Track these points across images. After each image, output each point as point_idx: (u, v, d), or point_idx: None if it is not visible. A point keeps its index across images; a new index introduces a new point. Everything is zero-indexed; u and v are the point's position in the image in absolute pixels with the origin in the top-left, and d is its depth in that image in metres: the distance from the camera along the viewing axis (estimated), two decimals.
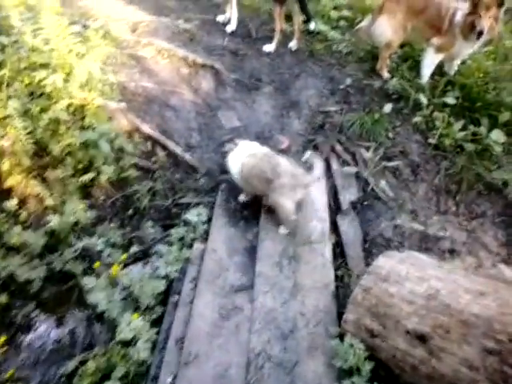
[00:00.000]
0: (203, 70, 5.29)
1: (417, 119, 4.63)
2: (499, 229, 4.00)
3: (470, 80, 4.80)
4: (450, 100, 4.61)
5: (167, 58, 5.30)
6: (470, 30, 4.36)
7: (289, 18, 5.86)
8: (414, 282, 2.65)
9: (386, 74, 5.22)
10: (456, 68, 5.01)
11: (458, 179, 4.24)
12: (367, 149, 4.51)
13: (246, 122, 4.85)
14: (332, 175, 4.33)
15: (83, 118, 4.09)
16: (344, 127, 4.71)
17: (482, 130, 4.33)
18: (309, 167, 3.71)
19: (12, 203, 3.71)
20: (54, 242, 3.72)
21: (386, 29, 4.92)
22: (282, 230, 3.70)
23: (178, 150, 4.43)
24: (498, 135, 4.26)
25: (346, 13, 6.45)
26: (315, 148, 4.53)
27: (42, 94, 3.99)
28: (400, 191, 4.24)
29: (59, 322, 3.38)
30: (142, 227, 3.99)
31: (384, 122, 4.65)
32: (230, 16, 6.10)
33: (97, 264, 3.42)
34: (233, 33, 6.07)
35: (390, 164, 4.40)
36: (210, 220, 3.88)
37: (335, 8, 6.52)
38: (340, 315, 2.97)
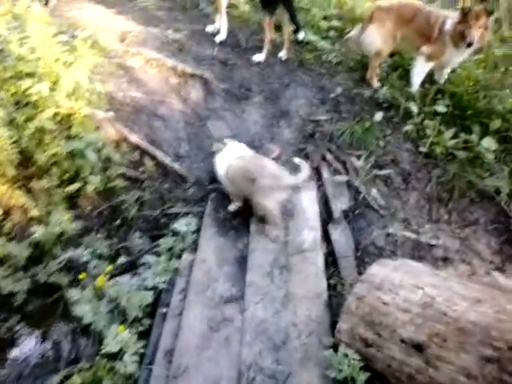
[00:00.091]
0: (192, 79, 5.25)
1: (407, 128, 4.60)
2: (492, 236, 3.96)
3: (461, 88, 4.80)
4: (440, 108, 4.59)
5: (156, 68, 5.25)
6: (460, 38, 4.36)
7: (278, 28, 5.86)
8: (408, 289, 2.59)
9: (376, 83, 5.21)
10: (446, 76, 5.01)
11: (449, 187, 4.21)
12: (358, 157, 4.47)
13: (236, 132, 4.80)
14: (323, 184, 4.28)
15: (70, 128, 4.01)
16: (334, 136, 4.67)
17: (474, 137, 4.31)
18: (295, 170, 3.66)
19: None
20: (39, 254, 3.62)
21: (376, 38, 4.92)
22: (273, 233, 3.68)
23: (167, 160, 4.36)
24: (489, 143, 4.24)
25: (335, 23, 6.45)
26: (306, 157, 4.47)
27: (27, 103, 3.91)
28: (391, 200, 4.20)
29: (44, 336, 3.27)
30: (130, 238, 3.91)
31: (375, 131, 4.62)
32: (220, 26, 6.07)
33: (82, 275, 3.32)
34: (222, 43, 6.03)
35: (381, 172, 4.36)
36: (199, 230, 3.80)
37: (325, 18, 6.52)
38: (333, 325, 2.89)
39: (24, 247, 3.55)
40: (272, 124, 4.90)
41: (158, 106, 4.85)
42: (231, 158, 3.75)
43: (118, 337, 2.80)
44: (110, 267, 3.41)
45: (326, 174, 4.35)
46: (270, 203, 3.55)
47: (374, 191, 4.21)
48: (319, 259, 3.49)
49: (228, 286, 3.34)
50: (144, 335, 3.05)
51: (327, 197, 4.16)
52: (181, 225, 3.70)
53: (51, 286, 3.47)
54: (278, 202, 3.57)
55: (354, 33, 5.38)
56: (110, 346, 2.75)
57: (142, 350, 2.88)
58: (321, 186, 4.28)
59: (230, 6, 6.59)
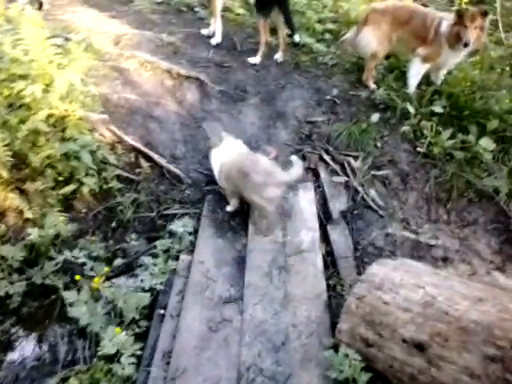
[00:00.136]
0: (188, 81, 5.21)
1: (405, 128, 4.60)
2: (492, 236, 3.96)
3: (457, 89, 4.80)
4: (437, 109, 4.58)
5: (151, 71, 5.21)
6: (456, 39, 4.37)
7: (274, 31, 5.85)
8: (409, 289, 2.56)
9: (372, 85, 5.20)
10: (442, 78, 5.01)
11: (448, 187, 4.21)
12: (355, 158, 4.46)
13: (232, 133, 4.75)
14: (321, 185, 4.26)
15: (64, 130, 3.96)
16: (331, 137, 4.66)
17: (471, 137, 4.31)
18: (288, 166, 3.64)
19: None
20: (34, 256, 3.55)
21: (371, 40, 4.92)
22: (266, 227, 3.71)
23: (163, 161, 4.32)
24: (487, 143, 4.24)
25: (330, 26, 6.46)
26: (303, 158, 4.45)
27: (21, 106, 3.87)
28: (390, 200, 4.19)
29: (40, 338, 3.21)
30: (126, 240, 3.85)
31: (372, 132, 4.62)
32: (215, 29, 6.06)
33: (78, 277, 3.27)
34: (217, 46, 6.02)
35: (379, 173, 4.36)
36: (196, 231, 3.77)
37: (319, 21, 6.52)
38: (333, 325, 2.87)
39: (19, 249, 3.48)
40: (268, 125, 4.87)
41: (153, 108, 4.81)
42: (227, 154, 3.76)
43: (115, 339, 2.75)
44: (107, 269, 3.37)
45: (323, 174, 4.34)
46: (262, 199, 3.54)
47: (372, 192, 4.19)
48: (318, 260, 3.46)
49: (227, 286, 3.30)
50: (141, 337, 2.99)
51: (325, 197, 4.15)
52: (177, 226, 3.66)
53: (47, 288, 3.41)
54: (270, 198, 3.55)
55: (349, 35, 5.38)
56: (107, 347, 2.70)
57: (139, 352, 2.82)
58: (318, 186, 4.26)
59: (225, 9, 6.58)
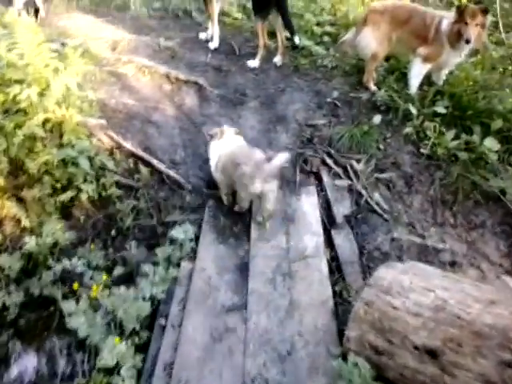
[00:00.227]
0: (186, 86, 5.16)
1: (407, 130, 4.52)
2: (500, 239, 3.86)
3: (460, 89, 4.73)
4: (440, 109, 4.51)
5: (148, 75, 5.17)
6: (457, 38, 4.31)
7: (272, 34, 5.80)
8: (419, 292, 2.47)
9: (372, 87, 5.14)
10: (444, 78, 4.94)
11: (453, 189, 4.11)
12: (358, 161, 4.37)
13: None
14: (323, 189, 4.18)
15: (61, 136, 3.89)
16: (333, 140, 4.58)
17: (475, 138, 4.23)
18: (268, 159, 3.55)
19: None
20: (32, 266, 3.46)
21: (371, 40, 4.87)
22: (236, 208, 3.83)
23: (162, 167, 4.22)
24: (491, 143, 4.16)
25: (328, 28, 6.42)
26: (305, 162, 4.38)
27: (17, 111, 3.79)
28: (395, 203, 4.10)
29: (38, 351, 3.10)
30: (126, 248, 3.75)
31: (374, 134, 4.54)
32: (213, 33, 6.02)
33: (75, 285, 3.18)
34: (216, 50, 5.99)
35: (383, 176, 4.27)
36: (197, 238, 3.67)
37: (318, 24, 6.48)
38: (341, 333, 2.77)
39: (16, 259, 3.39)
40: (269, 129, 4.80)
41: (151, 113, 4.74)
42: (226, 146, 3.79)
43: (115, 350, 2.66)
44: (105, 277, 3.27)
45: (326, 178, 4.26)
46: (244, 193, 3.60)
47: (376, 195, 4.10)
48: (323, 265, 3.37)
49: (230, 294, 3.20)
50: (142, 348, 2.89)
51: (329, 201, 4.06)
52: (178, 232, 3.56)
53: (45, 298, 3.30)
54: (251, 193, 3.57)
55: (348, 36, 5.33)
56: (106, 359, 2.60)
57: (140, 364, 2.73)
58: (321, 190, 4.18)
59: (223, 13, 6.55)
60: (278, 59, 5.76)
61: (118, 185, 4.01)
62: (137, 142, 4.37)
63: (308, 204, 3.95)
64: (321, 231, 3.69)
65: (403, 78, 5.09)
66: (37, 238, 3.43)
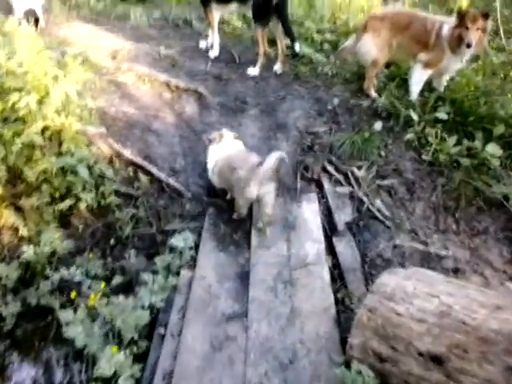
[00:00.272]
0: (186, 94, 5.14)
1: (409, 136, 4.48)
2: (503, 245, 3.81)
3: (461, 95, 4.69)
4: (441, 115, 4.48)
5: (148, 84, 5.16)
6: (458, 42, 4.29)
7: (272, 42, 5.79)
8: (422, 298, 2.42)
9: (373, 94, 5.12)
10: (445, 84, 4.92)
11: (455, 195, 4.07)
12: (359, 168, 4.33)
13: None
14: (324, 196, 4.14)
15: (60, 144, 3.87)
16: (334, 147, 4.54)
17: (477, 144, 4.20)
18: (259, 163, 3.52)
19: None
20: (30, 275, 3.42)
21: (371, 47, 4.85)
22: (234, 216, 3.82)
23: (162, 175, 4.19)
24: (494, 149, 4.12)
25: (329, 36, 6.43)
26: (305, 169, 4.34)
27: (16, 120, 3.77)
28: (397, 210, 4.05)
29: (35, 362, 3.04)
30: (125, 257, 3.70)
31: (375, 141, 4.50)
32: (213, 42, 6.01)
33: (73, 294, 3.14)
34: (216, 58, 5.99)
35: (385, 182, 4.23)
36: (197, 246, 3.62)
37: (318, 32, 6.48)
38: (343, 341, 2.72)
39: (14, 268, 3.35)
40: (269, 137, 4.77)
41: (151, 121, 4.72)
42: (224, 151, 3.81)
43: (113, 359, 2.60)
44: (103, 285, 3.22)
45: (327, 185, 4.22)
46: (241, 199, 3.59)
47: (378, 202, 4.06)
48: (325, 272, 3.32)
49: (230, 302, 3.14)
50: (141, 358, 2.84)
51: (330, 209, 4.02)
52: (178, 240, 3.51)
53: (43, 308, 3.25)
54: (248, 198, 3.56)
55: (348, 43, 5.32)
56: (104, 368, 2.55)
57: (138, 374, 2.67)
58: (322, 197, 4.14)
59: (223, 22, 6.56)
60: (278, 67, 5.75)
61: (117, 193, 3.98)
62: (137, 150, 4.35)
63: (309, 211, 3.91)
64: (322, 238, 3.65)
65: (404, 84, 5.06)
66: (35, 247, 3.40)
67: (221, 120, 4.94)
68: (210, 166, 3.88)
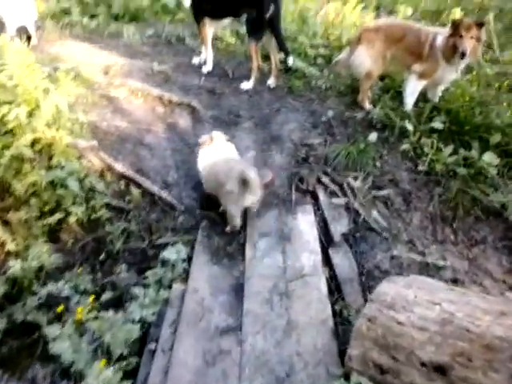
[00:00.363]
0: (179, 108, 5.10)
1: (404, 146, 4.43)
2: (502, 254, 3.73)
3: (456, 105, 4.67)
4: (437, 125, 4.44)
5: (141, 98, 5.12)
6: (452, 52, 4.27)
7: (266, 57, 5.78)
8: (424, 306, 2.34)
9: (367, 106, 5.09)
10: (440, 94, 4.89)
11: (453, 205, 4.00)
12: (355, 179, 4.26)
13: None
14: (320, 207, 4.06)
15: (51, 158, 3.81)
16: (329, 159, 4.48)
17: (474, 153, 4.15)
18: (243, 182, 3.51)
19: None
20: (16, 291, 3.30)
21: (365, 59, 4.83)
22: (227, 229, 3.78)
23: (154, 189, 4.11)
24: (490, 158, 4.08)
25: (322, 51, 6.43)
26: (300, 180, 4.27)
27: (6, 133, 3.71)
28: (393, 221, 3.97)
29: (20, 379, 2.91)
30: (116, 272, 3.59)
31: (370, 152, 4.44)
32: (206, 57, 6.00)
33: (60, 309, 3.02)
34: (209, 73, 5.95)
35: (381, 193, 4.15)
36: (189, 259, 3.52)
37: (311, 46, 6.49)
38: (341, 353, 2.62)
39: (0, 284, 3.25)
40: (264, 149, 4.70)
41: (144, 135, 4.66)
42: (212, 157, 3.85)
43: (101, 376, 2.48)
44: (92, 298, 3.11)
45: (322, 196, 4.13)
46: (233, 208, 3.62)
47: (374, 213, 3.98)
48: (322, 284, 3.22)
49: (224, 316, 3.03)
50: (131, 375, 2.72)
51: (325, 220, 3.93)
52: (170, 253, 3.41)
53: (29, 324, 3.13)
54: (242, 206, 3.63)
55: (342, 55, 5.30)
56: None
57: None
58: (318, 209, 4.06)
59: (216, 38, 6.56)
60: (271, 81, 5.73)
61: (108, 207, 3.90)
62: (129, 163, 4.28)
63: (305, 222, 3.82)
64: (318, 249, 3.56)
65: (398, 96, 5.04)
66: (22, 262, 3.29)
67: None
68: (199, 169, 3.92)
